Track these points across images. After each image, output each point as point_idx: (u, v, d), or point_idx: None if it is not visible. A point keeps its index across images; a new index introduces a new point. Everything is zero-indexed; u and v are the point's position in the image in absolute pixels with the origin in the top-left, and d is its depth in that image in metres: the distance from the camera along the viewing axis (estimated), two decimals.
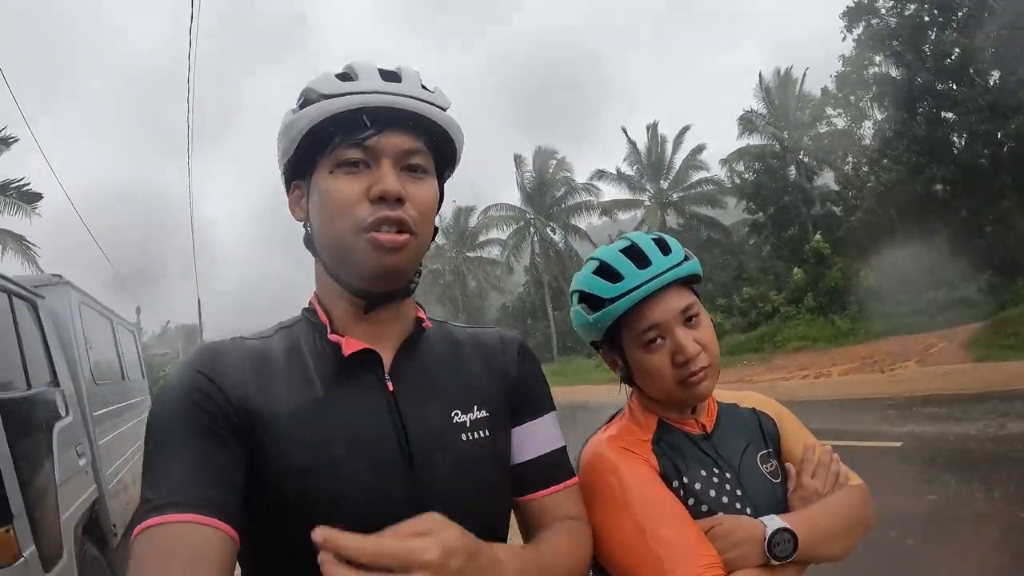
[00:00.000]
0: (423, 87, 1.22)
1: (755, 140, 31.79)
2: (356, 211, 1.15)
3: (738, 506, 1.49)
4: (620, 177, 37.67)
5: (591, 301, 1.54)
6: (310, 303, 1.30)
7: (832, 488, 1.54)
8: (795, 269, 26.72)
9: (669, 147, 37.08)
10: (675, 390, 1.49)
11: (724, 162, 33.62)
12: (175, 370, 1.17)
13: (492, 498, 1.25)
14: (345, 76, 1.20)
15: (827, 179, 30.57)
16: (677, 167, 36.93)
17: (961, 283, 22.72)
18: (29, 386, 4.60)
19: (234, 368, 1.14)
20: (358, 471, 1.12)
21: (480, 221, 47.13)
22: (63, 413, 5.11)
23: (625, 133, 37.29)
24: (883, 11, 25.45)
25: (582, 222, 41.64)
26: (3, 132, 18.39)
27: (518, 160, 42.80)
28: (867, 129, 28.05)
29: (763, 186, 29.47)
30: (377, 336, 1.23)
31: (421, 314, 1.34)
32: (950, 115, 23.41)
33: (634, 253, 1.52)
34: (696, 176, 36.65)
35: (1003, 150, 22.19)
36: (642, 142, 37.52)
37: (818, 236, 26.58)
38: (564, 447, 1.37)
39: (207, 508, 1.00)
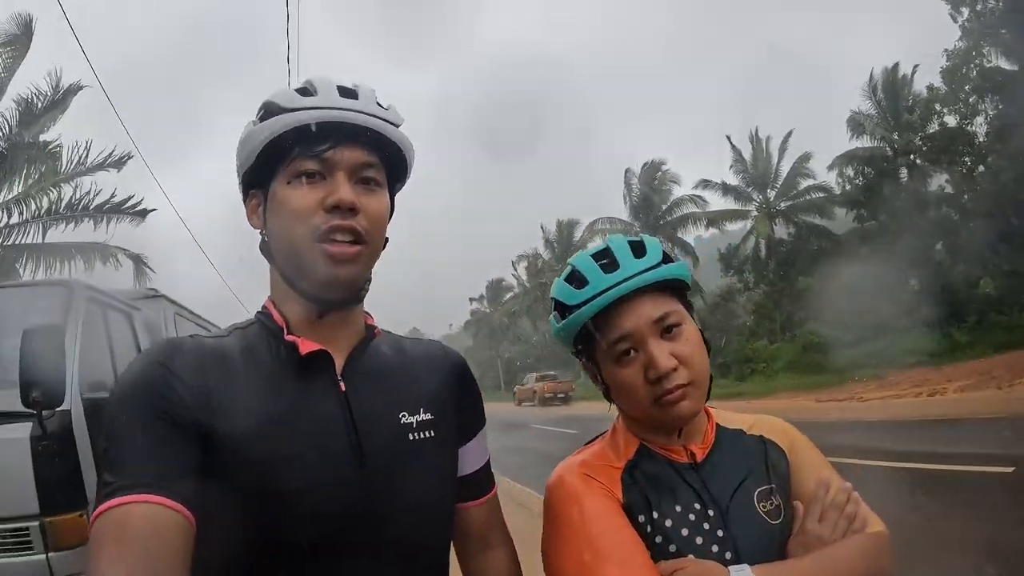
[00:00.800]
0: (378, 104, 1.29)
1: (863, 143, 30.50)
2: (312, 219, 1.21)
3: (716, 548, 1.35)
4: (726, 189, 36.82)
5: (560, 308, 1.48)
6: (264, 307, 1.36)
7: (841, 535, 1.36)
8: (911, 282, 25.53)
9: (775, 155, 36.01)
10: (650, 409, 1.38)
11: (831, 167, 32.18)
12: (135, 361, 1.20)
13: (437, 494, 1.34)
14: (304, 91, 1.27)
15: (941, 182, 28.93)
16: (784, 174, 35.76)
17: None
18: None
19: (193, 363, 1.18)
20: (312, 465, 1.17)
21: (584, 235, 47.24)
22: None
23: (729, 141, 36.40)
24: None
25: (689, 235, 41.13)
26: (115, 153, 19.25)
27: (628, 174, 42.75)
28: (979, 126, 26.18)
29: (874, 192, 28.19)
30: (329, 340, 1.29)
31: (371, 321, 1.41)
32: None
33: (604, 257, 1.44)
34: (804, 184, 35.32)
35: None
36: (747, 151, 36.61)
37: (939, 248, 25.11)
38: (489, 458, 1.54)
39: (164, 490, 1.04)
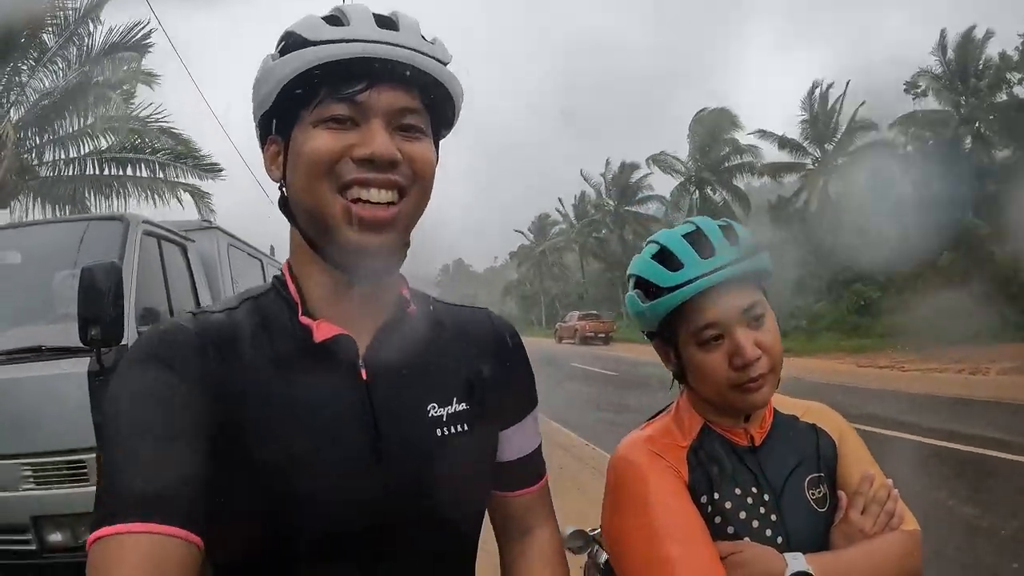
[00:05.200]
0: (423, 38, 1.09)
1: (928, 105, 29.68)
2: (338, 170, 1.04)
3: (769, 533, 1.40)
4: (783, 142, 36.30)
5: (646, 288, 1.44)
6: (282, 273, 1.18)
7: (881, 529, 1.39)
8: (944, 253, 24.77)
9: (838, 107, 35.11)
10: (729, 395, 1.39)
11: (893, 125, 31.35)
12: (128, 357, 1.04)
13: (464, 497, 1.19)
14: (334, 20, 1.07)
15: (1006, 154, 27.70)
16: (843, 129, 34.87)
17: None
18: None
19: (195, 353, 1.03)
20: (326, 468, 1.04)
21: (642, 178, 47.62)
22: None
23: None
24: None
25: (742, 183, 41.12)
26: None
27: (696, 118, 42.63)
28: None
29: (930, 157, 27.45)
30: (353, 318, 1.13)
31: (406, 292, 1.21)
32: None
33: (698, 240, 1.41)
34: (863, 140, 34.23)
35: None
36: (804, 99, 35.79)
37: (972, 217, 24.52)
38: (540, 444, 1.37)
39: (165, 514, 0.91)
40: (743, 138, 40.74)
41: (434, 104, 1.13)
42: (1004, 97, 26.52)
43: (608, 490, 1.47)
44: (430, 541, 1.14)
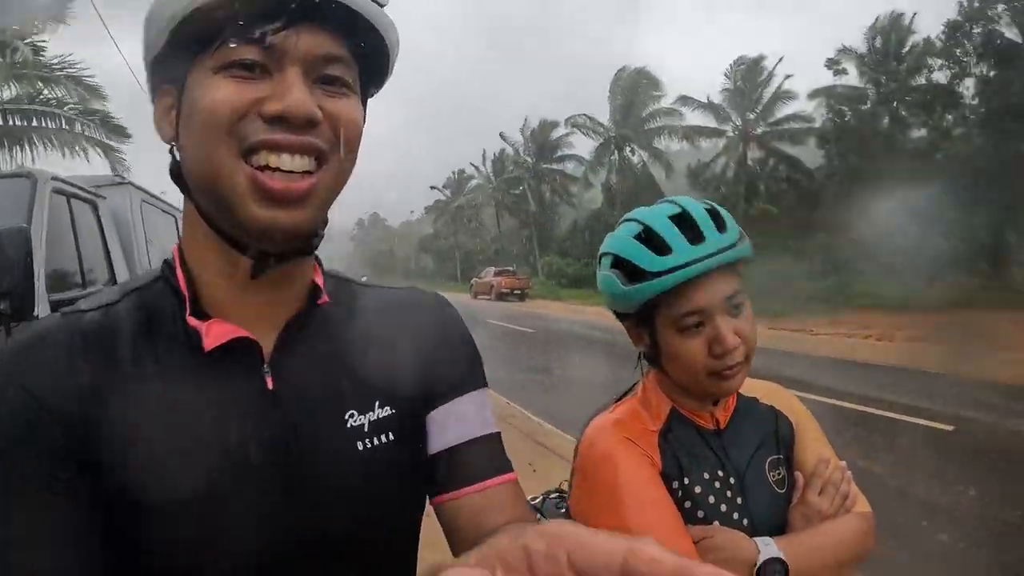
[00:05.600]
0: None
1: (850, 81, 30.60)
2: (242, 130, 0.82)
3: (735, 516, 1.40)
4: (709, 106, 36.98)
5: (628, 270, 1.38)
6: (172, 258, 0.96)
7: (838, 510, 1.42)
8: (856, 224, 25.70)
9: (763, 78, 35.95)
10: (704, 381, 1.37)
11: (813, 96, 32.42)
12: None
13: (392, 520, 1.00)
14: None
15: (920, 135, 28.86)
16: (766, 99, 35.77)
17: None
18: (85, 285, 4.85)
19: (65, 369, 0.84)
20: (225, 506, 0.86)
21: (562, 136, 47.61)
22: None
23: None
24: None
25: (662, 145, 41.45)
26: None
27: (616, 77, 42.68)
28: (967, 88, 26.22)
29: (848, 132, 28.49)
30: (257, 313, 0.93)
31: (319, 278, 1.01)
32: None
33: (685, 224, 1.35)
34: (784, 111, 35.44)
35: None
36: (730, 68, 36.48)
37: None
38: (498, 434, 1.08)
39: None
40: (666, 102, 41.23)
41: (364, 55, 0.91)
42: (923, 81, 27.35)
43: (579, 477, 1.43)
44: (358, 572, 0.96)
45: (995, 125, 22.69)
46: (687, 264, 1.31)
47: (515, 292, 39.88)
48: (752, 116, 35.94)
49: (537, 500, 1.82)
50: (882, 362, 14.54)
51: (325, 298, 1.00)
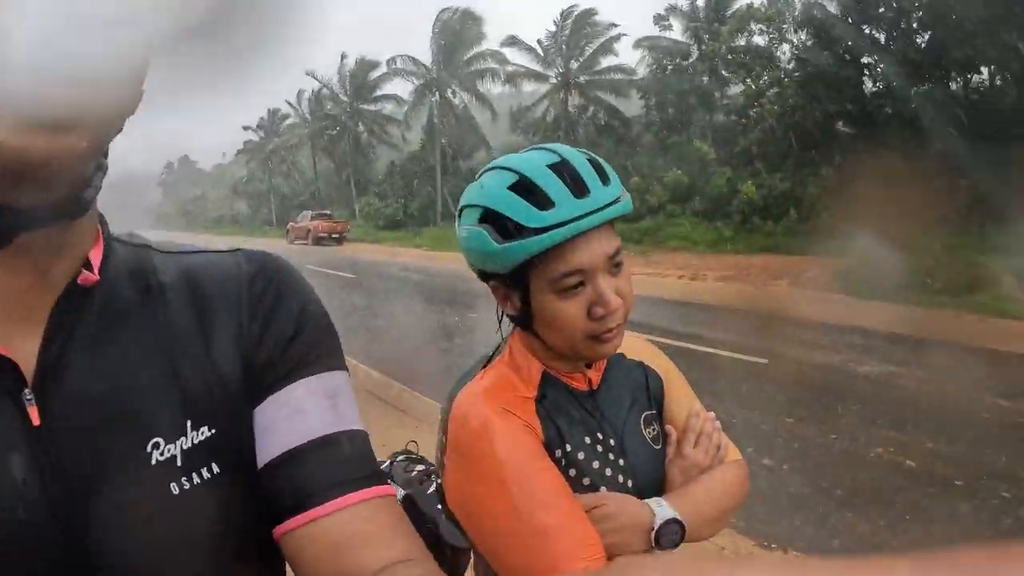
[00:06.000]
0: None
1: (675, 35, 31.59)
2: None
3: (620, 479, 1.33)
4: (535, 52, 36.82)
5: (502, 225, 1.21)
6: None
7: (713, 461, 1.40)
8: (672, 170, 27.35)
9: (587, 28, 36.05)
10: (581, 344, 1.26)
11: (637, 45, 33.21)
12: None
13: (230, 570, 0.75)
14: None
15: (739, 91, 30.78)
16: (592, 50, 36.07)
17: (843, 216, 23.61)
18: None
19: None
20: None
21: (382, 75, 46.21)
22: None
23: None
24: None
25: (485, 88, 41.08)
26: None
27: (438, 19, 41.65)
28: (785, 53, 28.02)
29: (668, 85, 29.65)
30: (12, 313, 0.66)
31: (96, 252, 0.72)
32: (869, 60, 24.35)
33: (567, 175, 1.21)
34: (608, 62, 35.97)
35: (909, 106, 23.17)
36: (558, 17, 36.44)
37: (700, 142, 27.46)
38: (359, 432, 0.81)
39: None
40: (493, 44, 40.79)
41: None
42: (743, 43, 28.69)
43: (454, 457, 1.28)
44: None
45: (807, 90, 24.42)
46: (572, 220, 1.18)
47: (333, 236, 39.00)
48: (576, 64, 36.24)
49: (385, 464, 1.58)
50: (696, 300, 15.37)
51: (93, 276, 0.70)
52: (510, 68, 38.89)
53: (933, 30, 22.99)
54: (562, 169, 1.21)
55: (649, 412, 1.42)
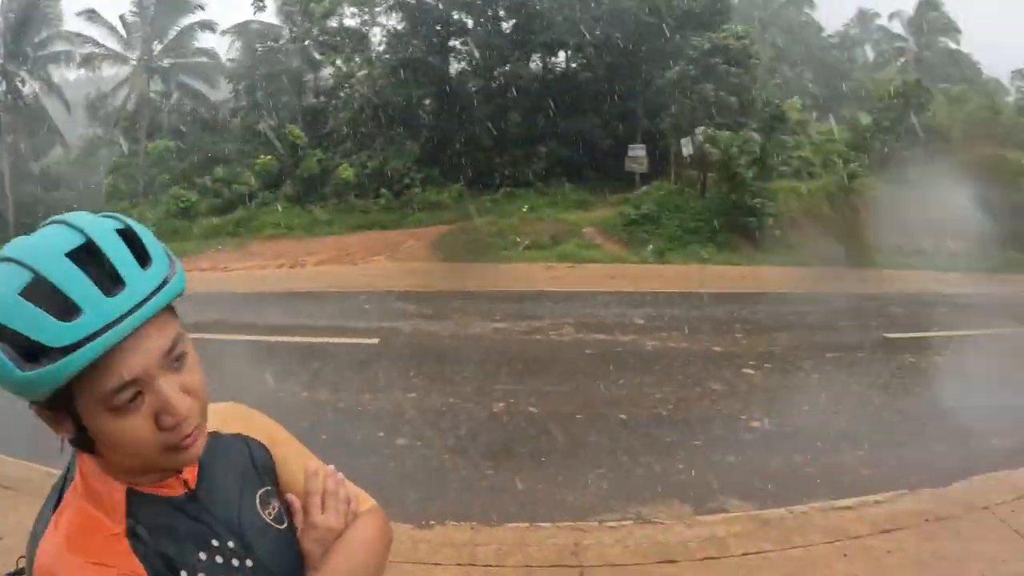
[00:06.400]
0: None
1: (269, 19, 30.91)
2: None
3: None
4: (120, 38, 32.99)
5: (21, 346, 0.94)
6: None
7: (346, 519, 1.28)
8: (262, 156, 26.86)
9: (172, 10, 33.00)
10: (160, 458, 1.07)
11: (226, 32, 32.11)
12: None
13: None
14: None
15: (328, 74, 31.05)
16: (177, 31, 33.21)
17: (435, 188, 25.19)
18: None
19: None
20: None
21: None
22: None
23: None
24: None
25: (59, 75, 36.12)
26: None
27: None
28: (376, 36, 29.32)
29: (256, 69, 29.15)
30: None
31: None
32: (456, 43, 26.60)
33: (94, 263, 0.97)
34: (199, 43, 33.62)
35: (492, 84, 25.91)
36: None
37: (291, 127, 27.31)
38: None
39: None
40: (70, 22, 35.96)
41: None
42: (334, 24, 29.26)
43: None
44: None
45: (396, 73, 25.76)
46: (108, 326, 0.95)
47: None
48: (159, 46, 33.37)
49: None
50: (299, 289, 14.96)
51: None
52: (86, 49, 34.76)
53: (517, 17, 25.69)
54: (86, 258, 0.97)
55: (264, 489, 1.26)
